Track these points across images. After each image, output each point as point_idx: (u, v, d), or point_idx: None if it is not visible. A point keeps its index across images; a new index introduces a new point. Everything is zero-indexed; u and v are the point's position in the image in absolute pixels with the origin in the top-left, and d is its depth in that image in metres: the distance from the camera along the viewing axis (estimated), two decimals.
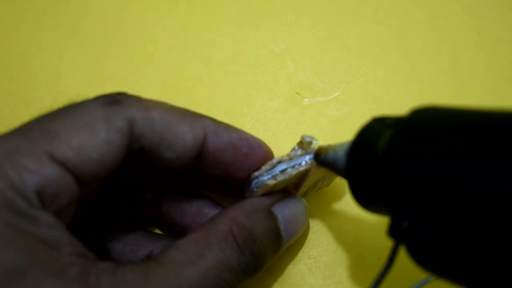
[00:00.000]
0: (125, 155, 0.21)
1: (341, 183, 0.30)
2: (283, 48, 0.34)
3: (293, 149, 0.25)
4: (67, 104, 0.21)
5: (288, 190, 0.25)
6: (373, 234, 0.29)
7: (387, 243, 0.29)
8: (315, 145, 0.24)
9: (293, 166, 0.24)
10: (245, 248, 0.21)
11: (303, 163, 0.24)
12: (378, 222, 0.29)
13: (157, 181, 0.25)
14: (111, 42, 0.35)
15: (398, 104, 0.32)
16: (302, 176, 0.25)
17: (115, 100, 0.21)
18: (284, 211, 0.24)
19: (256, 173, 0.24)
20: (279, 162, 0.24)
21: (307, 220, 0.26)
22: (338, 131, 0.32)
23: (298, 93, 0.33)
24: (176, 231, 0.25)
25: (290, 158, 0.24)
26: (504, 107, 0.18)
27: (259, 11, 0.35)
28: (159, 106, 0.22)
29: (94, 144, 0.19)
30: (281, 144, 0.31)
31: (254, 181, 0.24)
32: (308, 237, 0.29)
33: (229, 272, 0.21)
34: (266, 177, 0.24)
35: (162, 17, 0.36)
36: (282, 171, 0.24)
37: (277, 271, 0.28)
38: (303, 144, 0.24)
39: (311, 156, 0.24)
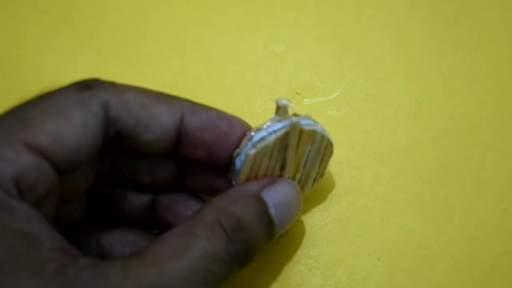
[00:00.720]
0: (103, 140, 0.20)
1: (341, 184, 0.30)
2: (283, 48, 0.34)
3: (271, 118, 0.24)
4: (41, 93, 0.20)
5: (277, 175, 0.25)
6: (372, 235, 0.29)
7: (387, 244, 0.29)
8: (291, 108, 0.24)
9: (272, 132, 0.23)
10: (234, 236, 0.20)
11: (281, 125, 0.23)
12: (378, 222, 0.29)
13: (149, 180, 0.25)
14: (111, 42, 0.35)
15: (398, 104, 0.32)
16: (285, 147, 0.24)
17: (89, 85, 0.21)
18: (274, 195, 0.23)
19: (237, 150, 0.23)
20: (258, 130, 0.23)
21: (301, 204, 0.25)
22: (338, 131, 0.32)
23: (298, 93, 0.33)
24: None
25: (268, 125, 0.23)
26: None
27: (259, 11, 0.35)
28: (133, 89, 0.22)
29: (70, 129, 0.19)
30: None
31: (238, 159, 0.23)
32: (308, 237, 0.29)
33: (217, 262, 0.20)
34: (247, 148, 0.23)
35: (162, 17, 0.36)
36: (262, 139, 0.23)
37: (277, 271, 0.28)
38: (279, 110, 0.24)
39: (289, 120, 0.23)
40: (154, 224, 0.26)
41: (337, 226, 0.29)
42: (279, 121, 0.24)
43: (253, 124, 0.32)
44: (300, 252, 0.29)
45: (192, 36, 0.35)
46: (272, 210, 0.23)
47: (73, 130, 0.19)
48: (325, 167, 0.27)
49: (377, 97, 0.33)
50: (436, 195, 0.30)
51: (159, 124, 0.21)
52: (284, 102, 0.23)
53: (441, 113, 0.32)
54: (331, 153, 0.27)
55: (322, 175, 0.28)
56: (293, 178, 0.26)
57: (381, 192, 0.30)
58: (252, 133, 0.23)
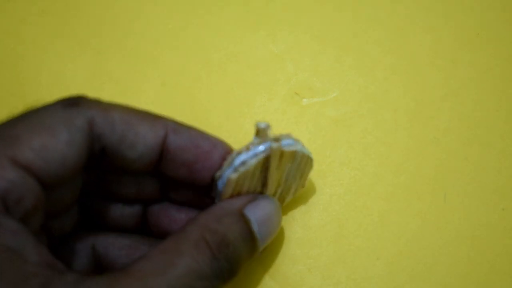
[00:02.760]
0: (88, 155, 0.21)
1: (341, 184, 0.30)
2: (282, 48, 0.34)
3: (251, 141, 0.24)
4: (27, 110, 0.21)
5: (258, 191, 0.25)
6: (372, 235, 0.29)
7: (387, 244, 0.29)
8: (270, 131, 0.24)
9: (253, 156, 0.23)
10: (219, 253, 0.21)
11: (262, 148, 0.23)
12: (378, 222, 0.29)
13: (135, 193, 0.25)
14: (111, 42, 0.35)
15: (398, 105, 0.32)
16: (266, 168, 0.24)
17: (74, 102, 0.21)
18: (256, 212, 0.24)
19: (218, 172, 0.24)
20: (238, 153, 0.24)
21: (280, 220, 0.26)
22: (337, 131, 0.32)
23: (297, 94, 0.33)
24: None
25: (248, 148, 0.24)
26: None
27: (259, 12, 0.35)
28: (118, 107, 0.22)
29: (55, 144, 0.19)
30: None
31: (219, 182, 0.24)
32: (307, 237, 0.29)
33: (201, 279, 0.20)
34: (228, 172, 0.23)
35: (162, 17, 0.36)
36: (243, 163, 0.23)
37: (276, 271, 0.28)
38: (259, 132, 0.24)
39: (270, 143, 0.24)
40: (149, 231, 0.26)
41: (337, 226, 0.29)
42: (259, 143, 0.24)
43: (251, 126, 0.32)
44: (300, 252, 0.29)
45: (192, 36, 0.35)
46: (255, 227, 0.23)
47: (59, 145, 0.19)
48: (305, 179, 0.28)
49: (376, 97, 0.33)
50: (436, 195, 0.30)
51: (142, 142, 0.22)
52: (263, 125, 0.24)
53: (440, 113, 0.32)
54: (311, 166, 0.27)
55: (303, 186, 0.28)
56: (274, 193, 0.26)
57: (380, 192, 0.30)
58: (233, 156, 0.24)
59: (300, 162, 0.26)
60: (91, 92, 0.34)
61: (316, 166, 0.30)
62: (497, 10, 0.35)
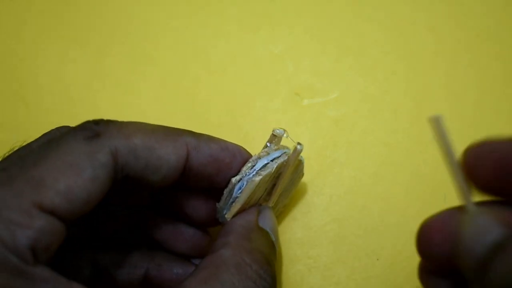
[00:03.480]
0: (110, 186, 0.20)
1: (341, 184, 0.30)
2: (282, 49, 0.34)
3: (265, 146, 0.25)
4: (46, 141, 0.20)
5: (263, 200, 0.26)
6: (372, 235, 0.29)
7: (386, 244, 0.29)
8: (283, 136, 0.25)
9: (273, 160, 0.24)
10: (263, 270, 0.21)
11: (278, 154, 0.24)
12: (378, 222, 0.29)
13: (140, 202, 0.25)
14: (111, 42, 0.35)
15: (397, 105, 0.32)
16: (279, 175, 0.25)
17: (95, 132, 0.20)
18: (268, 223, 0.24)
19: (237, 177, 0.24)
20: (259, 158, 0.24)
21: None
22: (338, 132, 0.32)
23: (297, 94, 0.33)
24: (167, 249, 0.26)
25: (267, 153, 0.24)
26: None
27: (259, 12, 0.35)
28: (139, 131, 0.22)
29: (80, 184, 0.19)
30: None
31: (237, 186, 0.24)
32: (307, 237, 0.29)
33: None
34: (251, 175, 0.24)
35: (162, 18, 0.36)
36: (264, 166, 0.24)
37: (277, 271, 0.28)
38: (276, 138, 0.25)
39: (285, 149, 0.24)
40: (147, 241, 0.26)
41: (337, 226, 0.29)
42: (277, 149, 0.24)
43: (254, 124, 0.32)
44: (300, 252, 0.29)
45: (192, 37, 0.35)
46: (272, 237, 0.24)
47: (83, 184, 0.19)
48: (288, 200, 0.29)
49: (377, 98, 0.33)
50: (435, 195, 0.30)
51: (166, 165, 0.22)
52: (281, 132, 0.24)
53: (440, 113, 0.32)
54: (302, 174, 0.28)
55: (284, 205, 0.29)
56: (276, 202, 0.26)
57: (380, 192, 0.30)
58: (254, 160, 0.24)
59: (300, 171, 0.27)
60: (91, 92, 0.34)
61: (316, 166, 0.30)
62: (497, 11, 0.35)
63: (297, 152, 0.24)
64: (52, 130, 0.23)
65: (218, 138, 0.24)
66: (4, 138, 0.32)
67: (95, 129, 0.21)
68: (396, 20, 0.35)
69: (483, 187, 0.20)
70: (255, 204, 0.25)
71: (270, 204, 0.26)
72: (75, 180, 0.19)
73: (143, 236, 0.26)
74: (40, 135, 0.23)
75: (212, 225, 0.26)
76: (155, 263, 0.25)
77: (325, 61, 0.34)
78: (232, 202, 0.24)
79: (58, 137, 0.20)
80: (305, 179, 0.30)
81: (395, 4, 0.35)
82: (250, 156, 0.24)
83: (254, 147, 0.31)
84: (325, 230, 0.29)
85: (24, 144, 0.23)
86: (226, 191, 0.24)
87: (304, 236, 0.29)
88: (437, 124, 0.20)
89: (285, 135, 0.25)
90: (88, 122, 0.21)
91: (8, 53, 0.35)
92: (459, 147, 0.31)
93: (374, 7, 0.35)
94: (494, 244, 0.17)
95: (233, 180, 0.24)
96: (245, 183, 0.23)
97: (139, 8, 0.36)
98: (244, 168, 0.24)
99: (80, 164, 0.19)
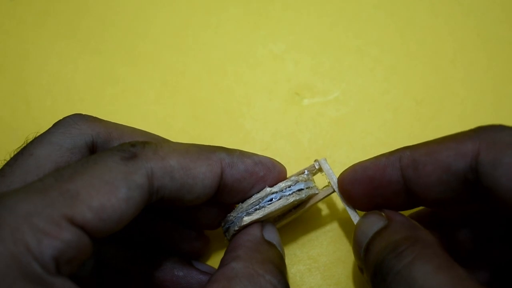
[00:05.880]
0: (143, 207, 0.21)
1: None
2: (282, 48, 0.34)
3: (302, 171, 0.26)
4: (85, 159, 0.20)
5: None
6: None
7: None
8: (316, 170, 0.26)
9: (308, 187, 0.25)
10: (276, 280, 0.21)
11: (312, 185, 0.25)
12: None
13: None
14: (111, 42, 0.35)
15: (398, 105, 0.32)
16: (300, 204, 0.26)
17: (132, 154, 0.20)
18: (274, 236, 0.24)
19: (274, 189, 0.24)
20: (297, 181, 0.25)
21: None
22: (338, 131, 0.32)
23: (297, 94, 0.33)
24: (166, 249, 0.26)
25: (306, 179, 0.25)
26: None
27: (259, 12, 0.35)
28: (174, 151, 0.22)
29: (114, 203, 0.19)
30: (280, 145, 0.31)
31: (269, 197, 0.24)
32: (307, 238, 0.29)
33: None
34: (287, 193, 0.24)
35: (162, 18, 0.36)
36: (299, 190, 0.24)
37: None
38: (315, 170, 0.26)
39: (313, 182, 0.26)
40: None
41: (336, 227, 0.29)
42: (309, 179, 0.25)
43: (254, 124, 0.32)
44: (300, 253, 0.29)
45: (192, 36, 0.35)
46: (280, 249, 0.24)
47: (117, 204, 0.19)
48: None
49: (377, 97, 0.33)
50: None
51: (201, 184, 0.22)
52: (327, 167, 0.26)
53: (441, 113, 0.32)
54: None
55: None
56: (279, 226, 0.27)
57: None
58: (293, 179, 0.25)
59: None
60: (91, 92, 0.34)
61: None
62: (497, 11, 0.35)
63: (329, 192, 0.25)
64: (65, 118, 0.23)
65: (250, 153, 0.24)
66: (4, 138, 0.32)
67: (132, 151, 0.21)
68: (396, 20, 0.35)
69: (360, 206, 0.25)
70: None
71: (277, 226, 0.26)
72: (109, 199, 0.19)
73: (144, 235, 0.26)
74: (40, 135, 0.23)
75: (212, 228, 0.26)
76: (157, 263, 0.25)
77: (325, 61, 0.34)
78: (257, 209, 0.24)
79: (97, 155, 0.20)
80: None
81: (396, 4, 0.35)
82: (284, 168, 0.25)
83: (254, 147, 0.31)
84: (325, 230, 0.29)
85: (37, 135, 0.23)
86: (255, 196, 0.24)
87: (304, 236, 0.29)
88: (323, 165, 0.26)
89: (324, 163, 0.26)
90: (125, 144, 0.21)
91: (9, 53, 0.35)
92: None
93: (375, 7, 0.35)
94: (375, 233, 0.22)
95: (269, 189, 0.24)
96: (279, 197, 0.24)
97: (139, 8, 0.36)
98: (283, 185, 0.24)
99: (115, 184, 0.19)
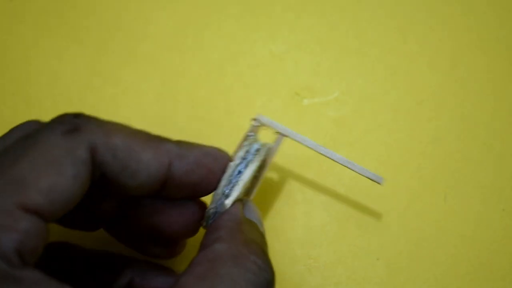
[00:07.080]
0: (89, 184, 0.20)
1: (341, 184, 0.30)
2: (282, 48, 0.34)
3: (245, 136, 0.25)
4: (23, 138, 0.19)
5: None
6: (372, 235, 0.29)
7: (386, 244, 0.29)
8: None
9: (262, 145, 0.25)
10: (261, 261, 0.20)
11: (266, 143, 0.25)
12: (377, 222, 0.29)
13: (109, 213, 0.24)
14: (111, 42, 0.35)
15: (398, 105, 0.32)
16: (261, 167, 0.25)
17: (75, 126, 0.20)
18: (254, 215, 0.23)
19: (236, 161, 0.23)
20: (251, 144, 0.25)
21: None
22: (338, 132, 0.32)
23: (297, 94, 0.33)
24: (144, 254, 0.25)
25: (255, 140, 0.25)
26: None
27: (259, 12, 0.35)
28: (120, 131, 0.21)
29: (63, 183, 0.18)
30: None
31: (238, 168, 0.23)
32: (307, 238, 0.29)
33: None
34: (249, 158, 0.24)
35: (162, 17, 0.36)
36: (257, 151, 0.24)
37: (276, 271, 0.28)
38: (255, 128, 0.26)
39: (267, 147, 0.25)
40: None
41: (336, 226, 0.29)
42: (258, 148, 0.25)
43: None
44: (300, 253, 0.29)
45: (192, 36, 0.35)
46: (261, 227, 0.23)
47: (66, 183, 0.18)
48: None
49: (377, 98, 0.33)
50: (436, 195, 0.30)
51: (145, 171, 0.21)
52: (266, 120, 0.26)
53: (440, 113, 0.32)
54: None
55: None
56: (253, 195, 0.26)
57: (380, 193, 0.30)
58: (247, 146, 0.24)
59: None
60: (91, 92, 0.34)
61: (316, 166, 0.30)
62: (497, 11, 0.35)
63: (281, 139, 0.25)
64: (23, 124, 0.22)
65: (197, 144, 0.23)
66: None
67: (74, 122, 0.20)
68: (396, 20, 0.35)
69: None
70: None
71: (251, 197, 0.25)
72: (56, 179, 0.18)
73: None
74: None
75: (191, 235, 0.25)
76: (140, 270, 0.25)
77: (325, 61, 0.34)
78: (233, 187, 0.23)
79: (35, 132, 0.19)
80: (305, 178, 0.30)
81: (395, 4, 0.35)
82: (228, 156, 0.24)
83: None
84: (325, 230, 0.29)
85: None
86: (223, 178, 0.23)
87: (304, 236, 0.29)
88: (263, 119, 0.26)
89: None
90: (67, 114, 0.20)
91: (8, 52, 0.35)
92: (460, 147, 0.31)
93: (375, 7, 0.35)
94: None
95: (232, 163, 0.23)
96: (245, 165, 0.23)
97: (139, 7, 0.36)
98: (241, 153, 0.24)
99: (60, 162, 0.18)
